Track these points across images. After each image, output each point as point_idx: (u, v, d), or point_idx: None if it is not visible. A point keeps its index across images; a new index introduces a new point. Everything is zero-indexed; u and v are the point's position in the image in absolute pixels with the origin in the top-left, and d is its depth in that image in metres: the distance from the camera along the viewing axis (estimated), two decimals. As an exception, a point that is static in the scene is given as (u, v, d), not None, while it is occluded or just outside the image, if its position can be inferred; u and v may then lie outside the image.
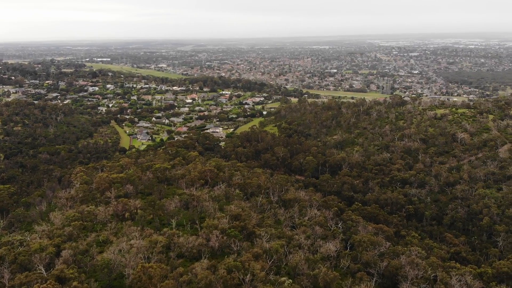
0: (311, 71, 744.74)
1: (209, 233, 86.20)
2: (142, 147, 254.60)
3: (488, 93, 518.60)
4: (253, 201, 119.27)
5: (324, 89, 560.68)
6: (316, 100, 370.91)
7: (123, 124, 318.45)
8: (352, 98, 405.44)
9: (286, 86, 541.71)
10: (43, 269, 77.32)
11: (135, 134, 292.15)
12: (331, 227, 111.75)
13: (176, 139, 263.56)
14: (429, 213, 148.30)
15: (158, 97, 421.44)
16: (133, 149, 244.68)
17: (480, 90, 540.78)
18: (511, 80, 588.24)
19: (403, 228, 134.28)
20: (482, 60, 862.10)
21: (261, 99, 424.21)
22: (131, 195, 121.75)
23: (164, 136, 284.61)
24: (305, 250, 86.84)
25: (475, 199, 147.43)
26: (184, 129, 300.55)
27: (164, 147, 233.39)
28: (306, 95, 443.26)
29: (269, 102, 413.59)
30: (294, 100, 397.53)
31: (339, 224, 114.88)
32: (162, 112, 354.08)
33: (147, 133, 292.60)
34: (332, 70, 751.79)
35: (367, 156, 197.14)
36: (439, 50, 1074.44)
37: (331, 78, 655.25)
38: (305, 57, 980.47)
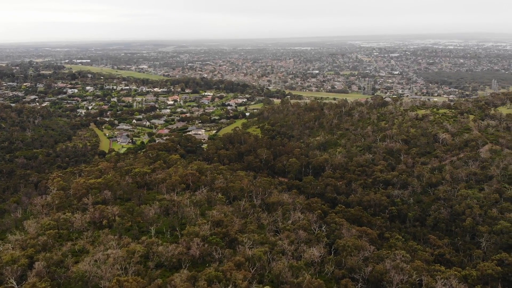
0: (294, 72, 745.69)
1: (189, 241, 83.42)
2: (122, 150, 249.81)
3: (467, 93, 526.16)
4: (236, 205, 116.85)
5: (307, 90, 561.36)
6: (299, 101, 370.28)
7: (103, 127, 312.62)
8: (334, 99, 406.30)
9: (269, 87, 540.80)
10: (14, 283, 73.63)
11: (115, 137, 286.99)
12: (315, 230, 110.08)
13: (157, 141, 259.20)
14: (412, 214, 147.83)
15: (138, 98, 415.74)
16: (113, 153, 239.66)
17: (460, 90, 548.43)
18: (489, 80, 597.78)
19: (387, 230, 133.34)
20: (461, 61, 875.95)
21: (244, 100, 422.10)
22: (109, 201, 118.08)
23: (145, 139, 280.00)
24: (289, 256, 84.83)
25: (457, 199, 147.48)
26: (166, 131, 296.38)
27: (144, 150, 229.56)
28: (289, 96, 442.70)
29: (252, 103, 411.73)
30: (277, 101, 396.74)
31: (323, 227, 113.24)
32: (143, 114, 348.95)
33: (127, 135, 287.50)
34: (314, 71, 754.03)
35: (349, 157, 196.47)
36: (419, 50, 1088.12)
37: (313, 79, 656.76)
38: (287, 58, 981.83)
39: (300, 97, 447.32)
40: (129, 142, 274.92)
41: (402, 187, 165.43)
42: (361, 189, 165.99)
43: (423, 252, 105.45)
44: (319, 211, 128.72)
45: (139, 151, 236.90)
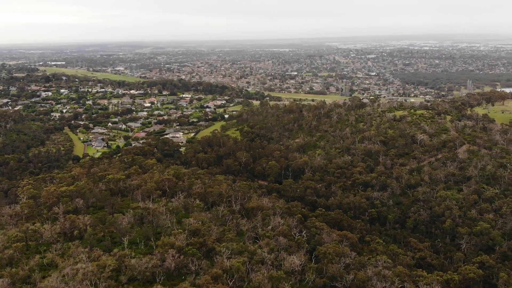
0: (272, 73, 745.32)
1: (164, 253, 79.67)
2: (97, 155, 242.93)
3: (443, 93, 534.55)
4: (214, 212, 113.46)
5: (286, 92, 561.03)
6: (278, 102, 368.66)
7: (77, 131, 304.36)
8: (313, 100, 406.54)
9: (248, 89, 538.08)
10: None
11: (90, 141, 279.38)
12: (295, 235, 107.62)
13: (133, 145, 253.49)
14: (392, 217, 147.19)
15: (114, 101, 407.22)
16: (87, 157, 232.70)
17: (435, 91, 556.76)
18: (465, 80, 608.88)
19: (367, 234, 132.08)
20: (437, 61, 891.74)
21: (223, 102, 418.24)
22: (82, 210, 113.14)
23: (121, 143, 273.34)
24: (269, 266, 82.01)
25: (437, 201, 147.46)
26: (142, 134, 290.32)
27: (120, 154, 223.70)
28: (268, 98, 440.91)
29: (231, 105, 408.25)
30: (256, 103, 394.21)
31: (303, 232, 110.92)
32: (118, 117, 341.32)
33: (103, 139, 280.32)
34: (292, 73, 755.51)
35: (329, 160, 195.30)
36: (395, 52, 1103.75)
37: (292, 81, 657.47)
38: (266, 60, 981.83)
39: (279, 99, 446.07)
40: (104, 146, 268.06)
41: (381, 189, 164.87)
42: (340, 192, 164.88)
43: (404, 256, 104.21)
44: (299, 215, 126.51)
45: (115, 156, 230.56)
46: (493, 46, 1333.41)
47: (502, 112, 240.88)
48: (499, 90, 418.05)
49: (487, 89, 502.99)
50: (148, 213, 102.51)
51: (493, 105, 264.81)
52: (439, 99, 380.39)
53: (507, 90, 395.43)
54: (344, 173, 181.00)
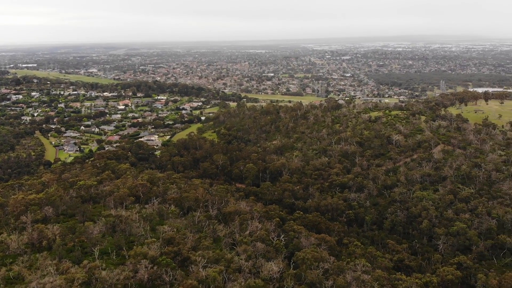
0: (249, 75, 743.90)
1: (137, 263, 76.38)
2: (69, 160, 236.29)
3: (417, 93, 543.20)
4: (190, 218, 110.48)
5: (262, 93, 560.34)
6: (255, 104, 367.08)
7: (49, 135, 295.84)
8: (290, 101, 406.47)
9: (225, 90, 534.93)
10: None
11: (62, 145, 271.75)
12: (274, 240, 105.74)
13: (106, 149, 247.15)
14: (369, 218, 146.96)
15: (87, 104, 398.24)
16: (59, 162, 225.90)
17: (409, 91, 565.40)
18: (437, 80, 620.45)
19: (345, 236, 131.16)
20: (410, 62, 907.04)
21: (199, 104, 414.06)
22: (51, 218, 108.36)
23: (94, 147, 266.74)
24: (246, 274, 79.71)
25: (413, 201, 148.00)
26: (116, 137, 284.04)
27: (92, 158, 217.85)
28: (245, 99, 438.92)
29: (208, 107, 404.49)
30: (233, 104, 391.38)
31: (282, 236, 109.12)
32: (91, 120, 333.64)
33: (75, 143, 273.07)
34: (269, 74, 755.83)
35: (306, 161, 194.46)
36: (369, 53, 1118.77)
37: (268, 82, 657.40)
38: (242, 61, 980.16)
39: (256, 100, 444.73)
40: (76, 151, 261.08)
41: (358, 190, 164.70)
42: (318, 194, 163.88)
43: (382, 258, 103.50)
44: (277, 219, 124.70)
45: (87, 160, 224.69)
46: (464, 47, 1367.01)
47: (475, 112, 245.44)
48: (471, 90, 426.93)
49: (460, 89, 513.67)
50: (121, 221, 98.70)
51: (466, 105, 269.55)
52: (413, 100, 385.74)
53: (479, 90, 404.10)
54: (321, 175, 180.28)
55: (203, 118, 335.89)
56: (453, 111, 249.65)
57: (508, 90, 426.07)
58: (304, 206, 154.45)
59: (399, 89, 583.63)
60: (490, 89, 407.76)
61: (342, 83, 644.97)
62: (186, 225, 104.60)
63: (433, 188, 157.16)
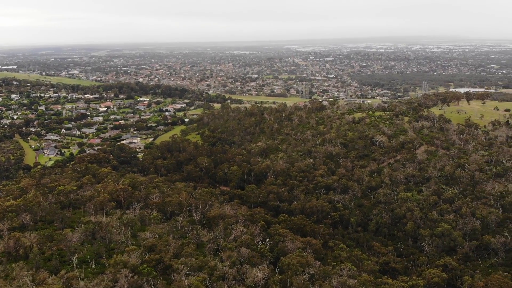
0: (233, 76, 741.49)
1: (116, 273, 73.73)
2: (50, 163, 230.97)
3: (399, 94, 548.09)
4: (172, 223, 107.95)
5: (247, 94, 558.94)
6: (239, 105, 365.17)
7: (29, 138, 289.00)
8: (274, 103, 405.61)
9: (209, 92, 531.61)
10: None
11: (42, 148, 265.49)
12: (258, 244, 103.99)
13: (88, 152, 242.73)
14: (354, 220, 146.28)
15: (68, 106, 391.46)
16: (39, 167, 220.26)
17: (392, 92, 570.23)
18: (419, 81, 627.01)
19: (330, 238, 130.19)
20: (392, 63, 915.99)
21: (183, 105, 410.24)
22: (29, 226, 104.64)
23: (75, 150, 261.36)
24: (230, 281, 77.72)
25: (398, 203, 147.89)
26: (98, 140, 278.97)
27: (73, 162, 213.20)
28: (229, 101, 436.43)
29: (191, 108, 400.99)
30: (217, 106, 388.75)
31: (267, 241, 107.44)
32: (72, 123, 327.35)
33: (55, 147, 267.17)
34: (253, 75, 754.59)
35: (291, 163, 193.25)
36: (352, 54, 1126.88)
37: (252, 83, 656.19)
38: (226, 62, 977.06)
39: (240, 102, 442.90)
40: (57, 154, 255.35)
41: (343, 192, 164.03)
42: (303, 195, 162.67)
43: (368, 261, 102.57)
44: (262, 222, 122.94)
45: (68, 164, 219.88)
46: (445, 47, 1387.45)
47: (458, 112, 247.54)
48: (453, 90, 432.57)
49: (442, 89, 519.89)
50: (101, 228, 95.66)
51: (448, 105, 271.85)
52: (396, 100, 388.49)
53: (461, 90, 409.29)
54: (306, 177, 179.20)
55: (186, 120, 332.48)
56: (435, 111, 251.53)
57: (489, 90, 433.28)
58: (289, 209, 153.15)
59: (382, 90, 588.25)
60: (472, 89, 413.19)
61: (326, 84, 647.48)
62: (168, 230, 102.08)
63: (417, 189, 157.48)
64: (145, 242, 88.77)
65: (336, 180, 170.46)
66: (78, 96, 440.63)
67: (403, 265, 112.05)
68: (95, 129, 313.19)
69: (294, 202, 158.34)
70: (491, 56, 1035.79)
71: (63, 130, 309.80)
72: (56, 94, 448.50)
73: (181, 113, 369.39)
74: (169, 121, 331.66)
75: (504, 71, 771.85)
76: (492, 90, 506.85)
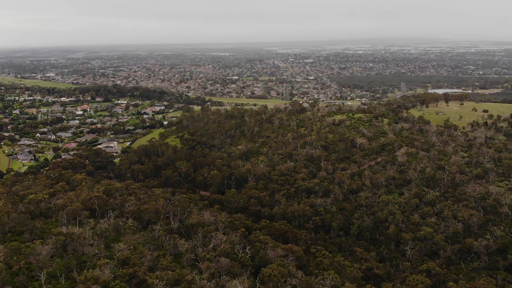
0: (213, 78, 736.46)
1: (87, 290, 69.55)
2: (23, 169, 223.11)
3: (378, 95, 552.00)
4: (148, 233, 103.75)
5: (227, 96, 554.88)
6: (220, 108, 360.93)
7: (2, 143, 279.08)
8: (255, 105, 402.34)
9: (188, 94, 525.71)
10: None
11: (16, 154, 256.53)
12: (239, 253, 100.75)
13: (63, 157, 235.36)
14: (336, 224, 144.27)
15: (44, 109, 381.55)
16: (11, 173, 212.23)
17: (371, 93, 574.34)
18: (398, 82, 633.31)
19: (313, 244, 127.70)
20: (371, 65, 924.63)
21: (162, 108, 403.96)
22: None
23: (50, 155, 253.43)
24: (209, 295, 74.30)
25: (379, 206, 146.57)
26: (73, 145, 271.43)
27: (47, 168, 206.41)
28: (209, 103, 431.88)
29: (171, 111, 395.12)
30: (197, 108, 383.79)
31: (247, 249, 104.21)
32: (48, 127, 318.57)
33: (30, 152, 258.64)
34: (233, 77, 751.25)
35: (272, 166, 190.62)
36: (331, 56, 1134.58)
37: (233, 85, 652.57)
38: (206, 64, 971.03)
39: (221, 104, 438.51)
40: (31, 160, 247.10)
41: (324, 195, 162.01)
42: (284, 200, 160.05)
43: (351, 268, 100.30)
44: (243, 229, 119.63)
45: (42, 170, 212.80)
46: (422, 49, 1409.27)
47: (437, 114, 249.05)
48: (431, 91, 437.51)
49: (420, 90, 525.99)
50: (72, 239, 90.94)
51: (427, 106, 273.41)
52: (375, 102, 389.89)
53: (439, 91, 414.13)
54: (287, 180, 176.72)
55: (165, 122, 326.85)
56: (414, 113, 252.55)
57: (467, 91, 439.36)
58: (271, 214, 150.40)
59: (361, 92, 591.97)
60: (449, 90, 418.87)
61: (306, 86, 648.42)
62: (144, 240, 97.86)
63: (398, 191, 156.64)
64: (118, 254, 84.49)
65: (318, 183, 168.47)
66: (54, 99, 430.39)
67: (386, 270, 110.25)
68: (71, 133, 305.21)
69: (276, 206, 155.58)
70: (467, 58, 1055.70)
71: (38, 134, 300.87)
72: (31, 98, 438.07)
73: (160, 116, 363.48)
74: (147, 124, 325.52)
75: (480, 72, 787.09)
76: (469, 91, 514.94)
